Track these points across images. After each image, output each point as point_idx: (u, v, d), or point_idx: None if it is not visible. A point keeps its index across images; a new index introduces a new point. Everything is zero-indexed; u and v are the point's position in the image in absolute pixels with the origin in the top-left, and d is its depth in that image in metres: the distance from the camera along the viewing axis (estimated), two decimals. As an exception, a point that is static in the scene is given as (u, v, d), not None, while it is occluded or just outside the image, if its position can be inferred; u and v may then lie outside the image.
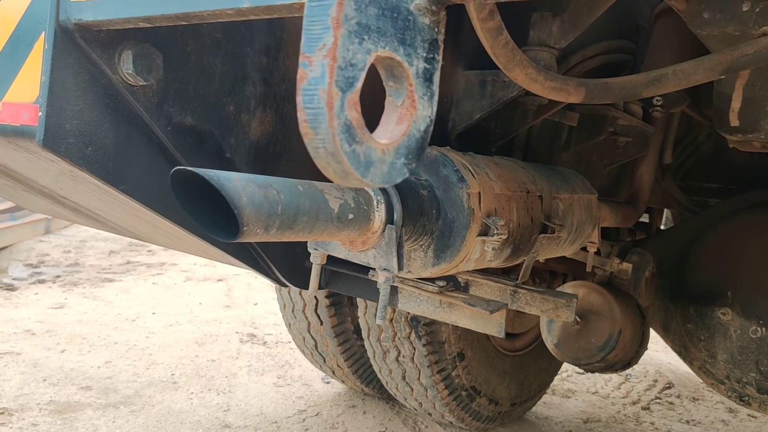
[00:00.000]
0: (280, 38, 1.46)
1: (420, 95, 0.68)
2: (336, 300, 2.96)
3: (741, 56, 1.36)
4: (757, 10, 1.40)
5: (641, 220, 2.79)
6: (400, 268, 1.17)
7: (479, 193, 1.29)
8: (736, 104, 1.60)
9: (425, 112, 0.69)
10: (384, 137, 0.67)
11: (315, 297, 2.94)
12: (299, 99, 0.60)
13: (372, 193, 1.11)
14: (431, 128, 0.71)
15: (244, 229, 0.88)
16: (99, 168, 1.23)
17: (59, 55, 1.13)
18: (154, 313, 4.75)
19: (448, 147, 1.38)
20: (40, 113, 1.13)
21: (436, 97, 0.70)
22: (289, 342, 4.10)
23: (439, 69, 0.69)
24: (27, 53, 1.18)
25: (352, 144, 0.62)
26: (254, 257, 1.58)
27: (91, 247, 6.94)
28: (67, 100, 1.16)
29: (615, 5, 1.59)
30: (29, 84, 1.17)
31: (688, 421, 3.65)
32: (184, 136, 1.32)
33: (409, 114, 0.68)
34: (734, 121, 1.64)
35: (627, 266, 2.34)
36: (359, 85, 0.61)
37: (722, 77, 1.46)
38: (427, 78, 0.69)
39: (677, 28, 1.93)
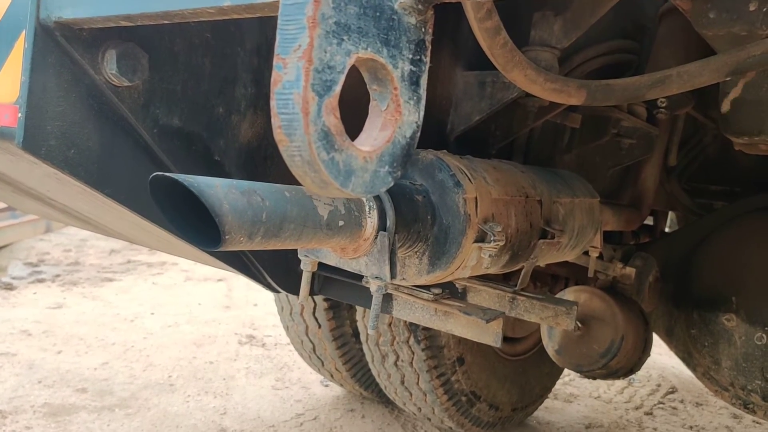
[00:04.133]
0: (271, 38, 1.42)
1: (405, 99, 0.64)
2: (334, 303, 2.92)
3: (748, 57, 1.31)
4: (764, 9, 1.36)
5: (645, 222, 2.73)
6: (392, 276, 1.13)
7: (476, 198, 1.25)
8: (733, 95, 1.57)
9: (411, 117, 0.65)
10: (366, 144, 0.63)
11: (313, 300, 2.90)
12: (273, 104, 0.56)
13: (364, 199, 1.07)
14: (418, 134, 0.66)
15: (226, 237, 0.84)
16: (82, 171, 1.19)
17: (39, 54, 1.09)
18: (153, 314, 4.71)
19: (445, 150, 1.34)
20: (19, 114, 1.10)
21: (423, 102, 0.65)
22: (288, 344, 4.06)
23: (426, 71, 0.65)
24: (7, 53, 1.14)
25: (331, 152, 0.58)
26: (245, 262, 1.54)
27: (91, 245, 6.92)
28: (48, 101, 1.12)
29: (619, 4, 1.54)
30: (9, 84, 1.13)
31: (691, 427, 3.59)
32: (171, 139, 1.28)
33: (393, 119, 0.63)
34: (725, 108, 1.60)
35: (630, 271, 2.29)
36: (338, 89, 0.57)
37: (728, 78, 1.42)
38: (414, 81, 0.64)
39: (682, 28, 1.88)
